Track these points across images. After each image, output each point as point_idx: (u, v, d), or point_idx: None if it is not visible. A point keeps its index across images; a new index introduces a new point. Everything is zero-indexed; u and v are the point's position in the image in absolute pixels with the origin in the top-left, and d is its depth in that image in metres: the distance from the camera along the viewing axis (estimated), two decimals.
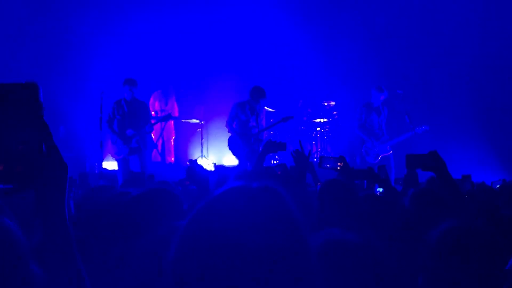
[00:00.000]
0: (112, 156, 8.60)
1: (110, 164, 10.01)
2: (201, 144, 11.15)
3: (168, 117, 9.44)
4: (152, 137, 10.25)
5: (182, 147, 11.76)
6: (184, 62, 11.88)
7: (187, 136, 11.83)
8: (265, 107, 10.28)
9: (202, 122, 11.27)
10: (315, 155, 10.95)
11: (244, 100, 8.81)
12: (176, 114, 11.02)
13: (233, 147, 8.85)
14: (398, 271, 1.44)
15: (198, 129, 11.30)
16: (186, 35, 11.86)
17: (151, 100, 11.05)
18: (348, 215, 2.99)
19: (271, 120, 10.45)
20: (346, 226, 2.33)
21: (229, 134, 8.96)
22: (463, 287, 1.63)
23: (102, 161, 9.08)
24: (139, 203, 2.12)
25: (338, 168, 4.58)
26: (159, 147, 10.89)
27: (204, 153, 11.18)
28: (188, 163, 3.53)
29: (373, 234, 2.61)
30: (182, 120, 11.43)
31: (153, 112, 11.05)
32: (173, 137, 11.28)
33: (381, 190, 4.43)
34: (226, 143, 9.00)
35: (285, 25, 11.87)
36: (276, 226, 1.08)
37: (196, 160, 4.00)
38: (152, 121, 8.81)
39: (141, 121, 8.38)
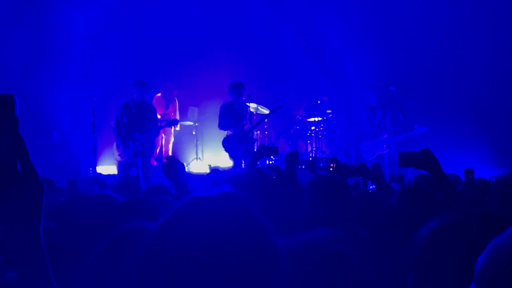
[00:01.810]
0: (116, 157, 8.55)
1: (104, 169, 9.98)
2: (196, 146, 11.11)
3: (174, 122, 9.44)
4: (156, 140, 10.28)
5: (177, 150, 11.71)
6: (177, 64, 11.85)
7: (181, 138, 11.79)
8: (259, 107, 10.29)
9: (197, 124, 11.24)
10: (310, 154, 10.94)
11: (230, 100, 8.81)
12: (177, 118, 10.98)
13: (228, 147, 8.85)
14: (369, 278, 1.42)
15: (193, 132, 11.27)
16: (179, 36, 11.82)
17: (153, 103, 11.00)
18: (337, 212, 2.96)
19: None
20: (335, 224, 2.31)
21: (224, 136, 8.95)
22: (454, 285, 1.60)
23: (95, 166, 9.04)
24: (120, 211, 2.12)
25: (331, 169, 4.57)
26: (156, 151, 10.84)
27: (199, 155, 11.14)
28: (164, 159, 3.42)
29: (363, 232, 2.60)
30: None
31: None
32: (172, 141, 11.22)
33: (373, 187, 4.42)
34: (221, 145, 8.98)
35: (278, 25, 11.87)
36: (238, 231, 1.08)
37: (173, 156, 3.95)
38: (159, 125, 8.82)
39: (148, 124, 8.38)
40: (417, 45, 11.31)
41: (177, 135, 11.78)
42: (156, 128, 8.59)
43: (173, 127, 10.88)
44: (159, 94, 11.03)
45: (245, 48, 11.89)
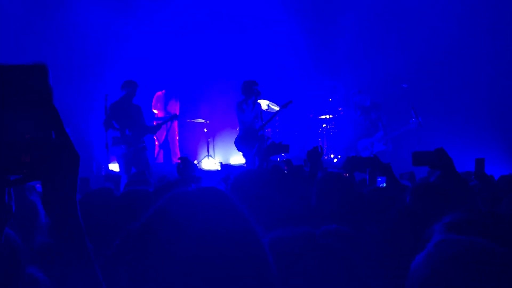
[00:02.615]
0: (115, 155, 8.60)
1: (117, 166, 10.03)
2: (207, 144, 11.14)
3: (174, 117, 9.46)
4: (154, 138, 10.35)
5: (188, 148, 11.76)
6: (188, 62, 11.88)
7: (193, 136, 11.83)
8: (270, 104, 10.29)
9: (208, 122, 11.27)
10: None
11: (242, 98, 8.85)
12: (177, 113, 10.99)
13: (240, 146, 8.89)
14: (364, 276, 1.43)
15: (205, 129, 11.30)
16: (190, 34, 11.85)
17: (154, 101, 11.05)
18: (346, 209, 2.96)
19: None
20: (343, 221, 2.31)
21: (236, 135, 9.00)
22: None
23: (108, 163, 9.10)
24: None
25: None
26: (157, 148, 10.89)
27: (211, 152, 11.18)
28: (178, 160, 3.48)
29: (372, 230, 2.60)
30: (188, 120, 11.43)
31: (156, 111, 11.05)
32: (177, 138, 11.26)
33: (383, 185, 4.41)
34: (232, 143, 9.02)
35: (288, 22, 11.84)
36: (220, 223, 1.09)
37: (187, 157, 3.99)
38: (155, 123, 8.85)
39: (138, 123, 8.45)
40: (428, 41, 11.25)
41: (189, 133, 11.83)
42: (153, 126, 8.66)
43: (176, 122, 10.92)
44: (160, 92, 11.06)
45: (257, 47, 11.89)
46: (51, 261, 2.06)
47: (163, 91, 11.14)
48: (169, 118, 9.47)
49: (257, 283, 1.09)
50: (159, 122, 9.15)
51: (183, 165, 3.37)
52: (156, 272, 1.06)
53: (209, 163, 11.06)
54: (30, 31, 10.86)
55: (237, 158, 11.03)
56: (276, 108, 10.40)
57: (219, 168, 10.39)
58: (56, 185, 1.06)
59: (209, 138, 11.19)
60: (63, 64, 10.76)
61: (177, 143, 11.33)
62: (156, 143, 10.92)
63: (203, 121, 11.26)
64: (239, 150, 8.98)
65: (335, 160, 11.01)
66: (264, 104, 10.05)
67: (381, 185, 5.08)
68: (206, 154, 11.13)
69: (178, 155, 11.22)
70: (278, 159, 9.97)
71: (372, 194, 3.59)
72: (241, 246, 1.09)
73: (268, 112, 10.09)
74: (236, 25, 11.85)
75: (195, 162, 10.95)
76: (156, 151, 10.88)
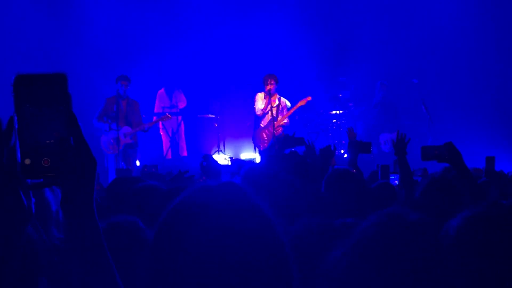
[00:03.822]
0: (104, 150, 8.72)
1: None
2: (218, 139, 11.18)
3: (163, 115, 9.50)
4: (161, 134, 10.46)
5: (198, 142, 11.80)
6: (198, 58, 11.91)
7: (203, 131, 11.87)
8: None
9: (218, 117, 11.31)
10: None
11: (262, 90, 9.00)
12: (182, 105, 11.00)
13: (257, 142, 9.02)
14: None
15: (215, 124, 11.33)
16: (200, 30, 11.88)
17: (157, 99, 11.06)
18: (354, 204, 2.98)
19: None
20: (350, 214, 2.33)
21: (245, 129, 9.08)
22: (488, 278, 1.53)
23: (121, 159, 9.18)
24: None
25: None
26: (166, 142, 10.94)
27: (221, 147, 11.22)
28: (202, 158, 3.53)
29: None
30: (198, 116, 11.48)
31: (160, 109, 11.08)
32: (183, 134, 11.30)
33: (397, 182, 4.40)
34: (243, 138, 9.12)
35: (298, 17, 11.82)
36: (241, 219, 1.11)
37: (210, 155, 4.03)
38: (150, 122, 8.98)
39: (135, 118, 8.59)
40: (439, 36, 11.21)
41: (199, 128, 11.87)
42: (147, 122, 8.84)
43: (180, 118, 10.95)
44: (161, 90, 11.09)
45: (267, 43, 11.91)
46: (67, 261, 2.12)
47: (163, 88, 11.14)
48: (158, 118, 9.53)
49: (276, 282, 1.11)
50: (149, 123, 9.16)
51: (206, 163, 3.42)
52: (176, 268, 1.08)
53: (220, 158, 11.10)
54: (38, 29, 10.93)
55: (247, 154, 11.07)
56: (289, 104, 10.45)
57: (229, 163, 10.42)
58: (74, 189, 1.10)
59: (219, 133, 11.22)
60: (74, 57, 10.82)
61: (184, 139, 11.34)
62: (164, 139, 10.98)
63: (213, 116, 11.30)
64: (256, 146, 9.10)
65: (345, 155, 11.00)
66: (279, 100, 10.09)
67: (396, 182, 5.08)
68: (217, 149, 11.17)
69: (185, 151, 11.27)
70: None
71: (378, 189, 3.61)
72: (261, 245, 1.11)
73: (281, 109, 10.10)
74: (246, 21, 11.86)
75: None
76: (164, 147, 10.94)
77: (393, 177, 4.96)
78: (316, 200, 2.90)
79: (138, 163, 9.26)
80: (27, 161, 1.08)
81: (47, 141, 1.08)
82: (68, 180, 1.10)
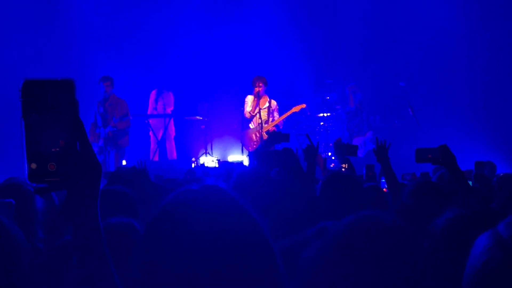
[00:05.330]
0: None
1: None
2: (205, 141, 11.14)
3: (125, 116, 9.44)
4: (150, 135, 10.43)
5: (186, 145, 11.76)
6: (186, 59, 11.87)
7: (191, 133, 11.82)
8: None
9: (206, 119, 11.27)
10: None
11: (252, 93, 8.99)
12: (169, 109, 10.97)
13: (245, 142, 9.00)
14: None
15: (202, 126, 11.30)
16: (188, 32, 11.84)
17: (150, 99, 11.01)
18: (348, 207, 2.97)
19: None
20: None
21: (233, 131, 9.07)
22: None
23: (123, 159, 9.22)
24: None
25: (343, 169, 4.56)
26: (153, 146, 10.89)
27: (208, 150, 11.18)
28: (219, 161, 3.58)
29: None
30: (186, 118, 11.43)
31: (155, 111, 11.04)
32: (173, 136, 11.25)
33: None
34: (230, 140, 9.10)
35: (286, 20, 11.85)
36: (225, 219, 1.12)
37: (227, 161, 4.01)
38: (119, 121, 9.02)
39: (119, 117, 8.77)
40: (426, 39, 11.29)
41: (186, 130, 11.82)
42: (117, 122, 8.92)
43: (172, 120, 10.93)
44: (153, 92, 11.06)
45: (255, 45, 11.90)
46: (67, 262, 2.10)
47: (155, 90, 11.10)
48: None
49: (263, 280, 1.11)
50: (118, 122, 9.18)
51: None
52: (163, 272, 1.09)
53: (207, 160, 11.06)
54: (32, 30, 10.85)
55: (235, 156, 11.04)
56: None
57: (216, 165, 10.38)
58: (79, 194, 1.12)
59: (206, 135, 11.19)
60: (69, 60, 10.76)
61: (173, 142, 11.30)
62: (152, 142, 10.93)
63: (201, 118, 11.26)
64: (245, 148, 9.08)
65: (333, 157, 11.03)
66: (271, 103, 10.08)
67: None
68: (204, 151, 11.13)
69: (174, 153, 11.21)
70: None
71: (368, 190, 3.61)
72: (245, 244, 1.11)
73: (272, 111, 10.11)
74: (234, 23, 11.86)
75: (193, 159, 10.97)
76: (151, 150, 10.88)
77: (383, 180, 4.97)
78: (312, 203, 2.89)
79: (124, 162, 9.21)
80: (33, 166, 1.09)
81: (53, 146, 1.10)
82: (73, 185, 1.11)
